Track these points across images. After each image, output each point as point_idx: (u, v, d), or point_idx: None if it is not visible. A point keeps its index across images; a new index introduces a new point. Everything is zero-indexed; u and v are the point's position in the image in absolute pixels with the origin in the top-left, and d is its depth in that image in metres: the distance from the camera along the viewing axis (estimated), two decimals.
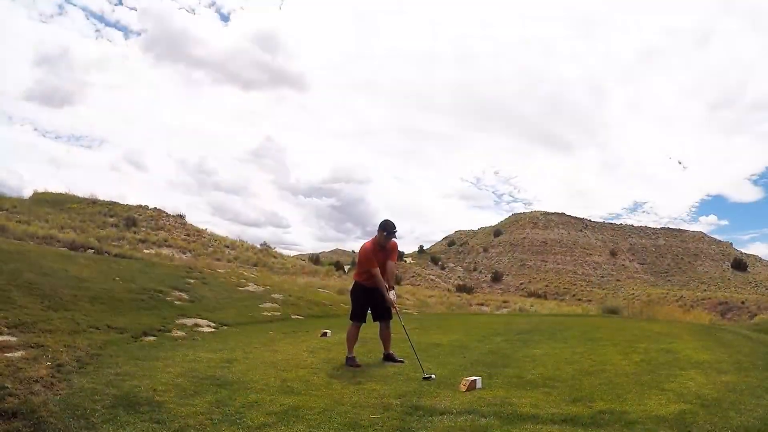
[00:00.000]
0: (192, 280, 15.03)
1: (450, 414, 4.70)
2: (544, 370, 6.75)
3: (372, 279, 7.14)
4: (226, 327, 11.04)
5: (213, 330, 10.53)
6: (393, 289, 7.22)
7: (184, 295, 13.00)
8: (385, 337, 7.46)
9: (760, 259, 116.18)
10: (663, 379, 6.12)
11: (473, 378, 5.78)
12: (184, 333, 9.64)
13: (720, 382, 5.96)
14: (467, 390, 5.57)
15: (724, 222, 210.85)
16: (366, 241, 7.41)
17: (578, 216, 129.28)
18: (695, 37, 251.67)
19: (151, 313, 10.60)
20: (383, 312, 7.33)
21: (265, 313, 13.56)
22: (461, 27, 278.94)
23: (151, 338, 8.76)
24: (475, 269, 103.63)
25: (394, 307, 7.16)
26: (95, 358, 6.65)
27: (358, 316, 7.34)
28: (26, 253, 12.82)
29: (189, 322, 10.63)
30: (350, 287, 7.81)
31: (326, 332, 10.02)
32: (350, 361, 7.09)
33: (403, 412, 4.77)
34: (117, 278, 12.67)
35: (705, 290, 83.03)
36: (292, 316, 13.98)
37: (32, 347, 6.59)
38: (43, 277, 10.59)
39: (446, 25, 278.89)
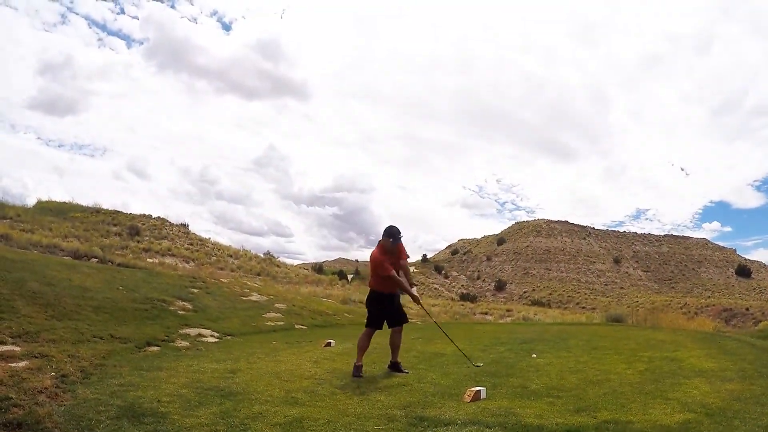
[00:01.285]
0: (195, 290, 15.01)
1: (454, 425, 4.70)
2: (548, 380, 6.75)
3: (390, 284, 7.25)
4: (230, 337, 11.03)
5: (217, 340, 10.52)
6: (414, 285, 7.38)
7: (188, 305, 12.99)
8: (395, 344, 7.42)
9: (764, 265, 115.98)
10: (667, 388, 6.11)
11: (478, 388, 5.78)
12: (187, 343, 9.63)
13: (724, 391, 5.94)
14: (471, 400, 5.56)
15: (728, 228, 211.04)
16: (373, 249, 7.47)
17: (581, 224, 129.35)
18: (696, 42, 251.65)
19: (154, 323, 10.59)
20: (400, 318, 7.36)
21: (268, 323, 13.54)
22: (462, 32, 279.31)
23: (155, 348, 8.75)
24: (478, 278, 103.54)
25: (419, 303, 7.44)
26: (99, 369, 6.65)
27: (374, 323, 7.37)
28: (30, 262, 12.83)
29: (193, 332, 10.62)
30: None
31: (330, 342, 10.01)
32: (356, 370, 7.09)
33: (407, 423, 4.77)
34: (120, 287, 12.67)
35: (709, 297, 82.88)
36: (296, 326, 13.96)
37: (36, 357, 6.58)
38: (47, 287, 10.59)
39: (447, 31, 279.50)
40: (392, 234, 7.23)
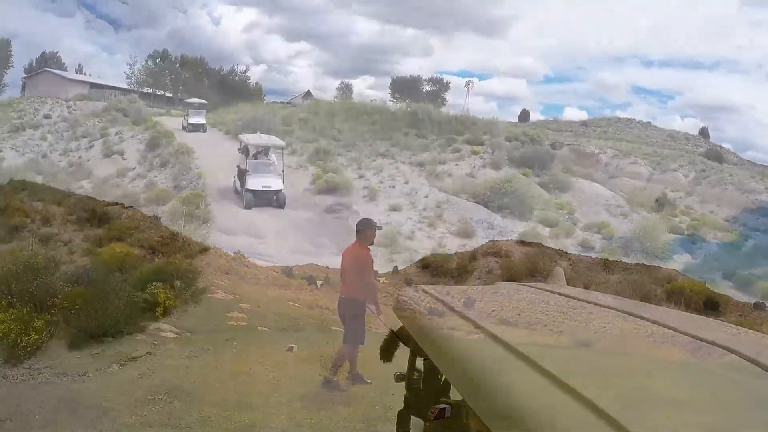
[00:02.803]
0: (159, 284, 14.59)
1: None
2: None
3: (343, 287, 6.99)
4: (189, 334, 10.68)
5: (176, 336, 10.17)
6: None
7: (149, 299, 12.59)
8: (342, 354, 6.85)
9: (731, 298, 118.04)
10: (635, 419, 5.91)
11: (442, 406, 5.52)
12: (144, 337, 9.28)
13: (695, 423, 5.75)
14: (435, 419, 5.30)
15: (697, 261, 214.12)
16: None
17: (554, 247, 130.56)
18: None
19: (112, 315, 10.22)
20: (346, 333, 6.94)
21: (231, 323, 13.18)
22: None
23: (110, 339, 8.38)
24: (448, 294, 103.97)
25: None
26: (43, 357, 6.33)
27: None
28: None
29: (151, 326, 10.25)
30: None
31: (292, 347, 9.75)
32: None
33: None
34: None
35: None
36: (259, 328, 13.61)
37: None
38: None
39: None
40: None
